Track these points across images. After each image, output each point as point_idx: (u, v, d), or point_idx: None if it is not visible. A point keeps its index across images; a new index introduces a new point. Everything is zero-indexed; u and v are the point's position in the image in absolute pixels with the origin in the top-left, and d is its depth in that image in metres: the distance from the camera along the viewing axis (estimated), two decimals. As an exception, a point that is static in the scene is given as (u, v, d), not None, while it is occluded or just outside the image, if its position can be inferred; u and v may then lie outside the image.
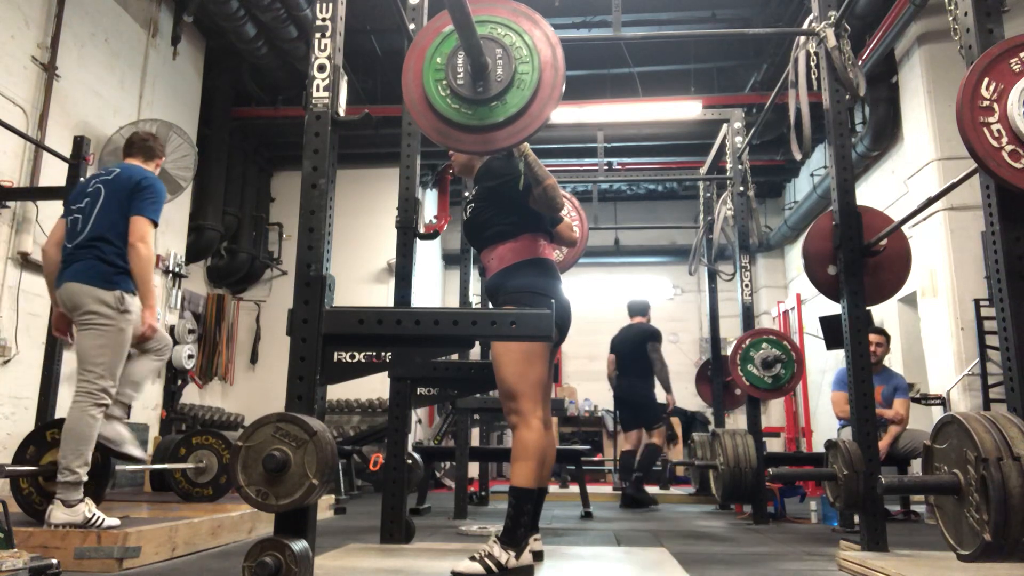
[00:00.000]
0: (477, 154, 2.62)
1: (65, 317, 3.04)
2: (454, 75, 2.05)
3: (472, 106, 2.05)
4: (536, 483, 2.25)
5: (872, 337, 4.68)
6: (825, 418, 7.98)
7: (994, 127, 2.07)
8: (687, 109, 6.23)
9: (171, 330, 6.80)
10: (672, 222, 10.79)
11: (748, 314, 5.01)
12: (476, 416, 7.78)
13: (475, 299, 5.17)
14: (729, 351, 4.77)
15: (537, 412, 2.30)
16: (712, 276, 6.12)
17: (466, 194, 2.86)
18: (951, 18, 2.38)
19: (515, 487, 2.23)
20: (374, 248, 8.92)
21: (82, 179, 3.29)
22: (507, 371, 2.32)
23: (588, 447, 6.10)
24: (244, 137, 8.67)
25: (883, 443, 4.53)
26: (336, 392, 8.47)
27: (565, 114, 6.98)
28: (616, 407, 6.12)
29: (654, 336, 5.93)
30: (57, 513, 2.65)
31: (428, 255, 10.41)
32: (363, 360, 1.98)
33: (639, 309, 6.22)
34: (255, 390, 8.64)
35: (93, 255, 2.90)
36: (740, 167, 5.23)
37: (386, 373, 2.56)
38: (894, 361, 6.69)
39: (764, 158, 8.74)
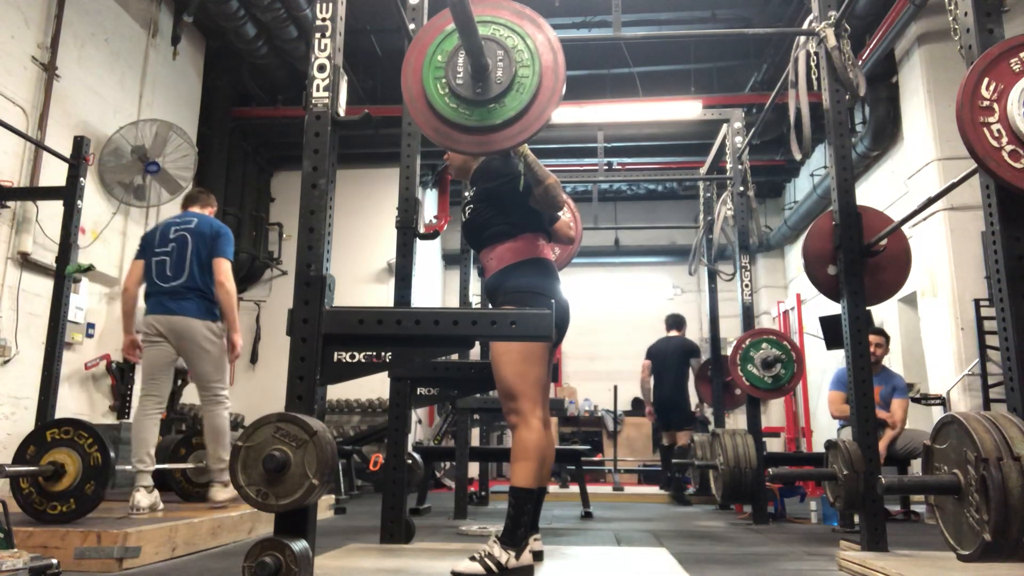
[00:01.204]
0: (474, 155, 2.61)
1: (136, 342, 3.65)
2: (454, 74, 2.04)
3: (471, 107, 2.04)
4: (536, 483, 2.25)
5: (872, 338, 4.68)
6: (825, 418, 7.97)
7: (994, 127, 2.07)
8: (687, 109, 6.23)
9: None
10: (672, 222, 10.79)
11: (748, 314, 5.01)
12: (476, 416, 7.78)
13: (475, 299, 5.17)
14: (729, 351, 4.77)
15: (537, 412, 2.30)
16: (712, 276, 6.12)
17: (465, 194, 2.86)
18: (951, 18, 2.38)
19: (515, 487, 2.23)
20: (374, 248, 8.91)
21: (156, 225, 3.84)
22: (506, 371, 2.32)
23: (588, 447, 6.10)
24: (244, 137, 8.66)
25: (880, 445, 4.53)
26: (336, 392, 8.47)
27: (565, 114, 6.98)
28: (658, 411, 6.60)
29: (695, 352, 6.62)
30: (220, 494, 3.55)
31: (428, 255, 10.41)
32: (363, 360, 1.98)
33: (676, 323, 6.86)
34: (255, 390, 8.63)
35: (198, 294, 3.56)
36: (740, 167, 5.23)
37: (386, 373, 2.55)
38: (894, 361, 6.69)
39: (764, 158, 8.74)
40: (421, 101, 2.09)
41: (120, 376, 6.03)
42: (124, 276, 6.17)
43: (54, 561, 2.12)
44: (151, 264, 3.61)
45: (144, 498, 3.39)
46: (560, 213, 2.73)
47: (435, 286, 11.00)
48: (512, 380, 2.32)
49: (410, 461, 3.61)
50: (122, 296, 3.73)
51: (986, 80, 2.11)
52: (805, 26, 3.52)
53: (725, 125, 5.55)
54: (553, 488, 7.24)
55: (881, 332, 4.90)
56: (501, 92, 2.02)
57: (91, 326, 5.83)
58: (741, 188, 5.19)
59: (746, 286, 5.05)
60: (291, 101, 8.30)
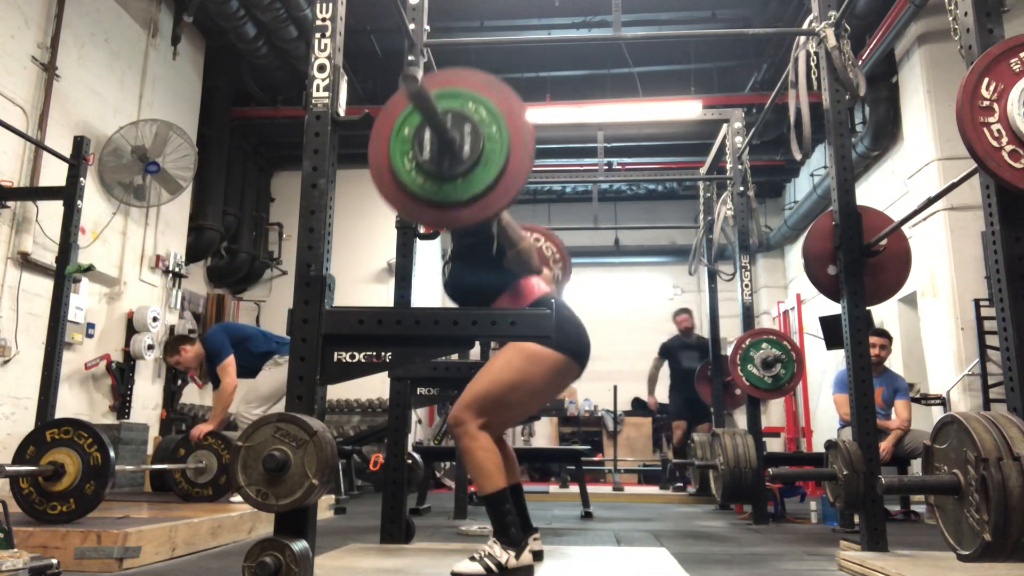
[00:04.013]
0: (437, 227, 2.53)
1: None
2: (421, 149, 1.97)
3: (437, 182, 1.96)
4: (499, 484, 2.21)
5: (875, 339, 4.68)
6: (825, 418, 7.98)
7: (994, 127, 2.07)
8: (687, 109, 6.23)
9: (171, 330, 6.80)
10: (672, 222, 10.77)
11: (748, 314, 5.01)
12: (476, 416, 7.76)
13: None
14: (729, 351, 4.77)
15: (479, 421, 2.24)
16: (712, 276, 6.12)
17: (444, 252, 2.79)
18: (951, 18, 2.38)
19: (482, 496, 2.22)
20: (374, 248, 8.91)
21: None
22: (493, 379, 2.27)
23: (588, 447, 6.10)
24: (244, 137, 8.66)
25: (886, 445, 4.53)
26: (336, 392, 8.47)
27: (565, 114, 6.98)
28: (685, 405, 6.83)
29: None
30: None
31: (428, 255, 10.40)
32: (363, 360, 1.98)
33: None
34: (255, 390, 8.62)
35: None
36: (740, 167, 5.23)
37: (386, 373, 2.55)
38: (894, 361, 6.67)
39: (764, 158, 8.73)
40: (387, 174, 2.02)
41: (120, 376, 6.03)
42: (124, 276, 6.18)
43: (54, 561, 2.12)
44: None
45: None
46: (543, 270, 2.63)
47: (435, 286, 10.98)
48: (489, 389, 2.26)
49: (410, 461, 3.61)
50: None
51: (986, 80, 2.11)
52: (805, 26, 3.52)
53: (725, 125, 5.55)
54: (553, 488, 7.25)
55: (884, 333, 4.89)
56: (468, 168, 1.94)
57: (91, 326, 5.83)
58: (741, 188, 5.18)
59: (746, 286, 5.05)
60: (291, 101, 8.29)
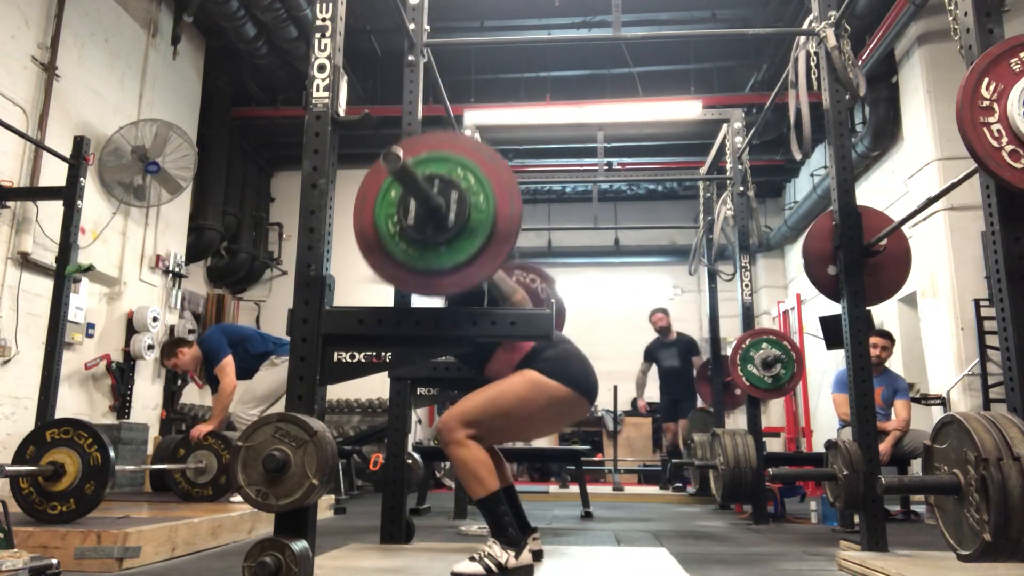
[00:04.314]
0: (421, 295, 2.34)
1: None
2: (406, 214, 1.93)
3: (420, 249, 1.93)
4: (490, 488, 2.20)
5: (876, 340, 4.68)
6: (825, 418, 7.97)
7: (994, 127, 2.07)
8: (687, 109, 6.23)
9: (171, 330, 6.80)
10: (672, 222, 10.77)
11: (748, 314, 5.01)
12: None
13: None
14: (729, 351, 4.77)
15: (468, 431, 2.23)
16: (712, 276, 6.12)
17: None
18: (951, 18, 2.38)
19: (476, 501, 2.22)
20: (374, 248, 8.90)
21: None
22: (495, 398, 2.24)
23: (588, 447, 6.10)
24: (244, 137, 8.66)
25: (884, 446, 4.53)
26: (336, 392, 8.47)
27: (565, 114, 6.98)
28: (671, 406, 6.89)
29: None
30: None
31: (428, 255, 10.40)
32: (363, 360, 1.98)
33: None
34: (255, 390, 8.62)
35: None
36: (740, 167, 5.23)
37: (386, 373, 2.55)
38: (894, 361, 6.67)
39: (764, 158, 8.73)
40: (372, 237, 1.98)
41: (120, 376, 6.03)
42: (124, 276, 6.18)
43: (54, 561, 2.12)
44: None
45: None
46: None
47: (435, 286, 10.99)
48: (485, 408, 2.24)
49: (410, 461, 3.61)
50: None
51: (986, 80, 2.11)
52: (805, 26, 3.52)
53: (725, 125, 5.55)
54: (553, 488, 7.25)
55: (886, 335, 4.88)
56: (452, 236, 1.91)
57: (91, 326, 5.83)
58: (741, 188, 5.19)
59: (746, 286, 5.05)
60: (291, 101, 8.29)
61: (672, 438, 6.74)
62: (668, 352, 6.92)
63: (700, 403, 6.72)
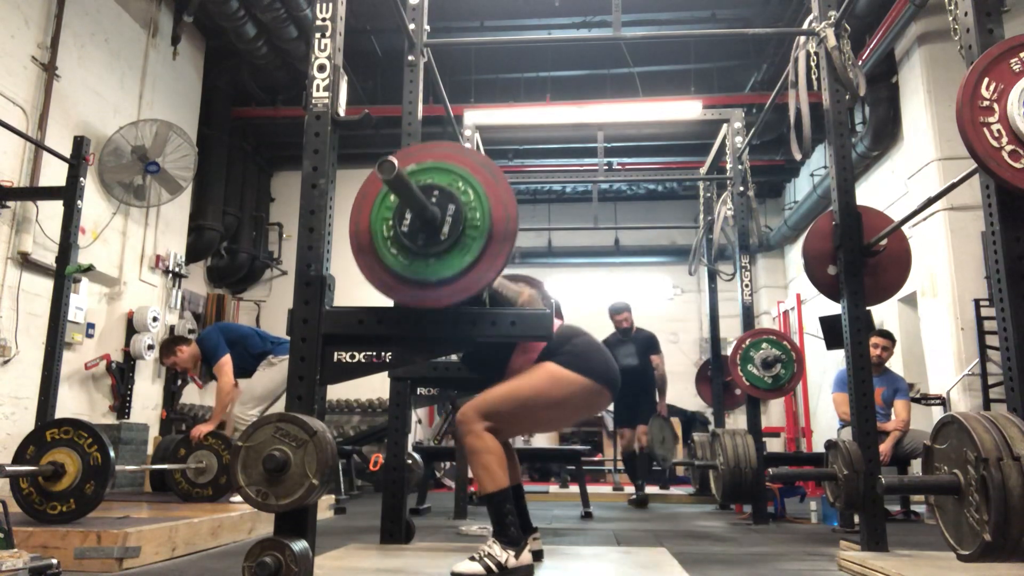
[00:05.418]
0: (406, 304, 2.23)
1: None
2: (400, 221, 1.92)
3: (410, 257, 1.92)
4: (500, 484, 2.20)
5: (877, 340, 4.68)
6: (825, 418, 7.97)
7: (994, 127, 2.07)
8: (687, 109, 6.23)
9: (171, 330, 6.80)
10: (672, 222, 10.77)
11: (748, 314, 5.01)
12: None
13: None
14: (729, 351, 4.77)
15: (486, 424, 2.23)
16: (712, 276, 6.12)
17: None
18: (951, 18, 2.38)
19: (484, 495, 2.22)
20: (374, 248, 8.90)
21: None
22: (515, 392, 2.25)
23: (588, 447, 6.09)
24: (244, 137, 8.67)
25: (884, 447, 4.53)
26: (336, 392, 8.47)
27: (565, 114, 6.98)
28: (626, 411, 6.06)
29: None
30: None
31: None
32: (363, 360, 1.98)
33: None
34: (255, 390, 8.62)
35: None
36: (740, 167, 5.23)
37: (386, 373, 2.55)
38: (894, 361, 6.67)
39: (764, 158, 8.74)
40: (366, 238, 1.98)
41: (120, 376, 6.03)
42: (124, 276, 6.19)
43: (54, 561, 2.12)
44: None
45: None
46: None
47: (435, 286, 11.00)
48: (504, 400, 2.24)
49: (410, 461, 3.61)
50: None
51: (986, 80, 2.11)
52: (805, 26, 3.52)
53: (725, 125, 5.55)
54: (553, 488, 7.25)
55: (887, 335, 4.88)
56: (443, 249, 1.89)
57: (91, 326, 5.83)
58: (741, 188, 5.18)
59: (746, 286, 5.05)
60: (291, 101, 8.30)
61: (627, 444, 5.92)
62: (626, 349, 5.94)
63: (660, 406, 5.89)
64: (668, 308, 11.20)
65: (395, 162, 1.68)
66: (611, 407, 6.13)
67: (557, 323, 2.48)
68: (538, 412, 2.30)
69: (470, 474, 5.11)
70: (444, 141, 2.01)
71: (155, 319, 6.27)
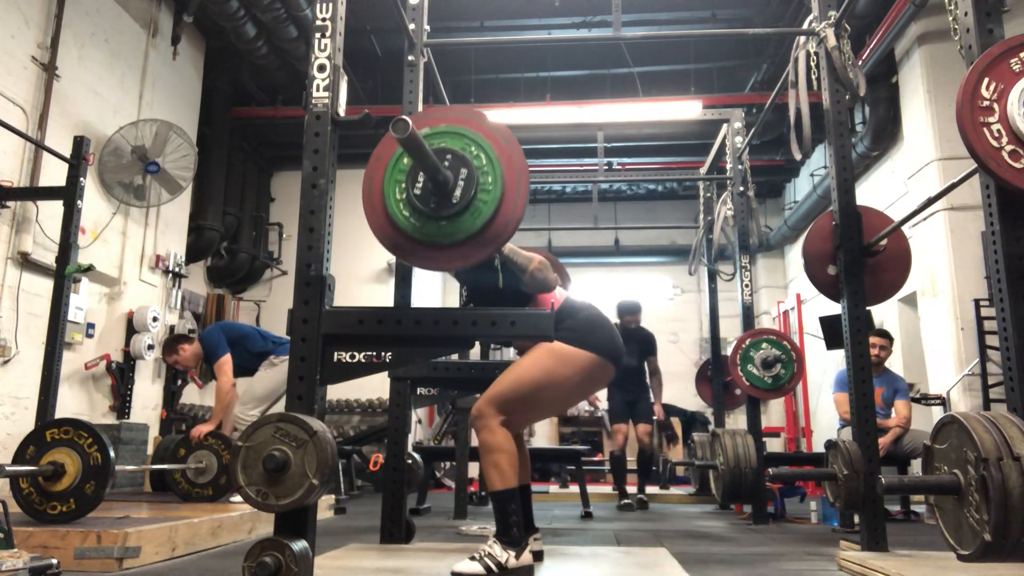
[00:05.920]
0: (417, 266, 2.32)
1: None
2: (413, 183, 1.95)
3: (421, 219, 1.95)
4: (509, 483, 2.21)
5: (875, 340, 4.68)
6: (825, 418, 7.98)
7: (994, 127, 2.07)
8: (687, 109, 6.23)
9: (171, 330, 6.80)
10: (672, 222, 10.77)
11: (748, 314, 5.01)
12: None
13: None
14: (729, 351, 4.77)
15: (500, 417, 2.24)
16: (712, 276, 6.11)
17: (461, 292, 2.70)
18: (951, 18, 2.38)
19: (491, 492, 2.22)
20: (374, 248, 8.75)
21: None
22: (522, 375, 2.26)
23: (588, 447, 6.09)
24: (244, 137, 8.67)
25: (884, 441, 4.53)
26: (336, 392, 8.47)
27: (565, 114, 6.98)
28: (625, 407, 5.94)
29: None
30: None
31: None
32: (363, 360, 1.98)
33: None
34: (255, 390, 8.62)
35: None
36: (740, 167, 5.23)
37: (386, 373, 2.55)
38: (894, 361, 6.68)
39: (764, 158, 8.74)
40: (379, 199, 2.01)
41: (120, 376, 6.03)
42: (124, 276, 6.19)
43: (54, 561, 2.12)
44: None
45: None
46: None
47: (435, 286, 11.00)
48: (515, 387, 2.25)
49: (410, 461, 3.61)
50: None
51: (986, 80, 2.11)
52: (805, 26, 3.52)
53: (725, 125, 5.55)
54: (553, 488, 7.25)
55: (885, 334, 4.89)
56: (454, 212, 1.92)
57: (91, 326, 5.83)
58: (741, 188, 5.19)
59: (746, 286, 5.05)
60: (291, 101, 8.29)
61: (623, 441, 5.78)
62: (627, 348, 6.00)
63: (657, 409, 5.82)
64: (668, 308, 11.21)
65: (409, 121, 1.69)
66: (610, 408, 6.11)
67: (562, 295, 2.49)
68: (549, 393, 2.30)
69: (470, 474, 5.12)
70: (460, 106, 2.01)
71: (155, 319, 6.27)
